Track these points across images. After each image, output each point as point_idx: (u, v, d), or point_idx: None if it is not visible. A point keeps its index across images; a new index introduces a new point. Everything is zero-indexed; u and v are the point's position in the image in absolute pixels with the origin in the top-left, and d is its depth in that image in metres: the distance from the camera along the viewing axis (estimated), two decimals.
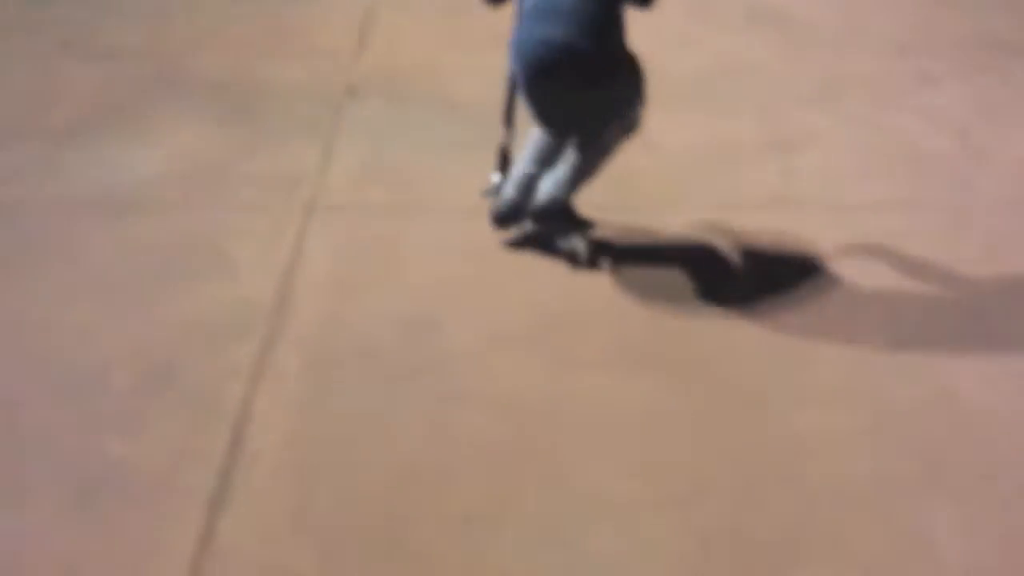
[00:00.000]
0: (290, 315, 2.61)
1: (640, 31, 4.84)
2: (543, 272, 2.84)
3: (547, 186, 2.75)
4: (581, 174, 2.74)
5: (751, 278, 2.86)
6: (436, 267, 2.86)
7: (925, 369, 2.45)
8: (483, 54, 4.29)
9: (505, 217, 2.84)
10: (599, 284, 2.79)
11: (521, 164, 2.85)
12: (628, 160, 3.33)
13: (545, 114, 2.64)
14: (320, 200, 3.18)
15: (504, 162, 2.97)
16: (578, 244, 2.90)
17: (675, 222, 3.07)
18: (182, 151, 3.49)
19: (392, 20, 4.82)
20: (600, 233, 2.92)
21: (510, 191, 2.83)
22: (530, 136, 2.86)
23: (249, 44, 4.55)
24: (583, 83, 2.52)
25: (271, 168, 3.38)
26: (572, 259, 2.87)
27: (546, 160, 2.81)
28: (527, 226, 2.88)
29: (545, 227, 2.83)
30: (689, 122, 3.72)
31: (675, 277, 2.82)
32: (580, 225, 2.86)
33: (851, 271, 2.84)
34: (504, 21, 2.79)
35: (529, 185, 2.80)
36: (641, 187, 3.27)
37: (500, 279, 2.81)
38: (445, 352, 2.50)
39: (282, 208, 3.12)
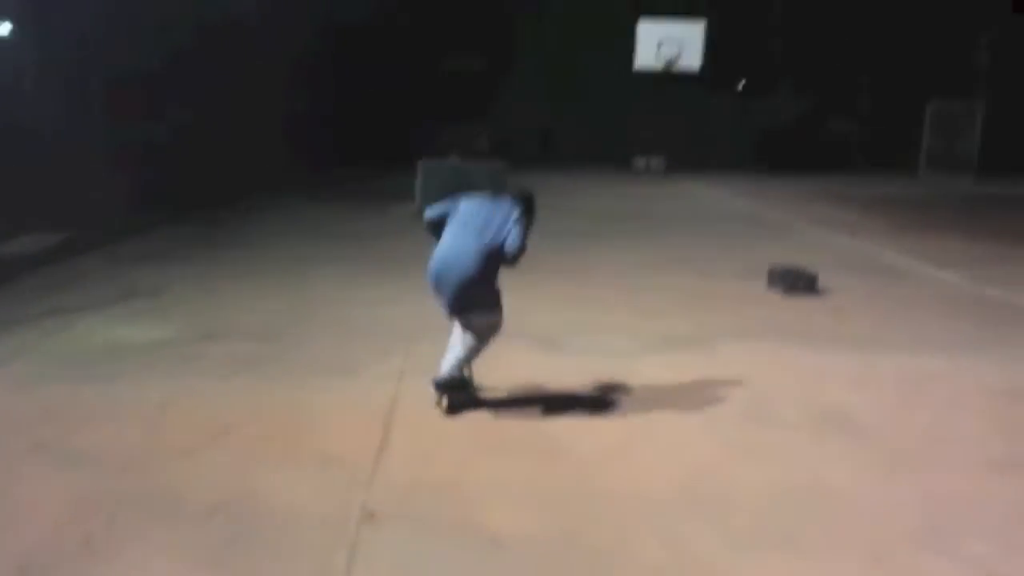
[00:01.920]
0: None
1: (700, 436, 4.24)
2: None
3: (446, 367, 4.33)
4: (469, 355, 4.37)
5: None
6: None
7: None
8: (519, 461, 3.74)
9: (446, 385, 4.33)
10: None
11: (452, 353, 4.39)
12: None
13: (454, 296, 4.26)
14: None
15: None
16: (468, 398, 4.42)
17: None
18: None
19: (418, 414, 4.33)
20: None
21: (448, 370, 4.34)
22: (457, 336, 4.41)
23: (254, 448, 3.96)
24: (476, 273, 4.25)
25: None
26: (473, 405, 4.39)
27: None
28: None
29: (448, 391, 4.32)
30: (778, 570, 3.04)
31: None
32: (470, 388, 4.52)
33: None
34: None
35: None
36: None
37: None
38: None
39: None
